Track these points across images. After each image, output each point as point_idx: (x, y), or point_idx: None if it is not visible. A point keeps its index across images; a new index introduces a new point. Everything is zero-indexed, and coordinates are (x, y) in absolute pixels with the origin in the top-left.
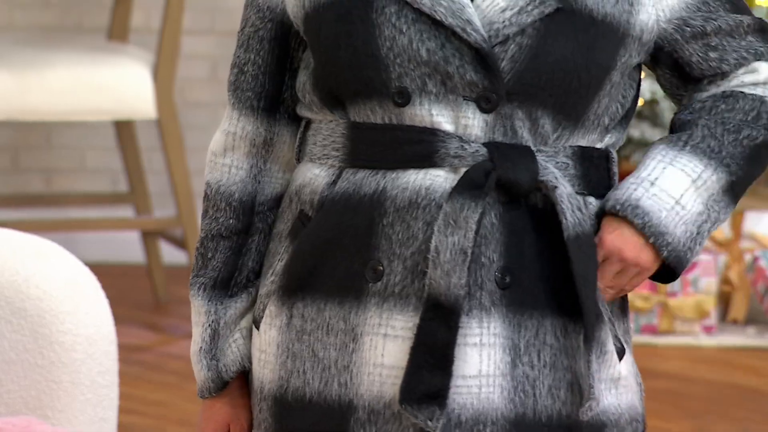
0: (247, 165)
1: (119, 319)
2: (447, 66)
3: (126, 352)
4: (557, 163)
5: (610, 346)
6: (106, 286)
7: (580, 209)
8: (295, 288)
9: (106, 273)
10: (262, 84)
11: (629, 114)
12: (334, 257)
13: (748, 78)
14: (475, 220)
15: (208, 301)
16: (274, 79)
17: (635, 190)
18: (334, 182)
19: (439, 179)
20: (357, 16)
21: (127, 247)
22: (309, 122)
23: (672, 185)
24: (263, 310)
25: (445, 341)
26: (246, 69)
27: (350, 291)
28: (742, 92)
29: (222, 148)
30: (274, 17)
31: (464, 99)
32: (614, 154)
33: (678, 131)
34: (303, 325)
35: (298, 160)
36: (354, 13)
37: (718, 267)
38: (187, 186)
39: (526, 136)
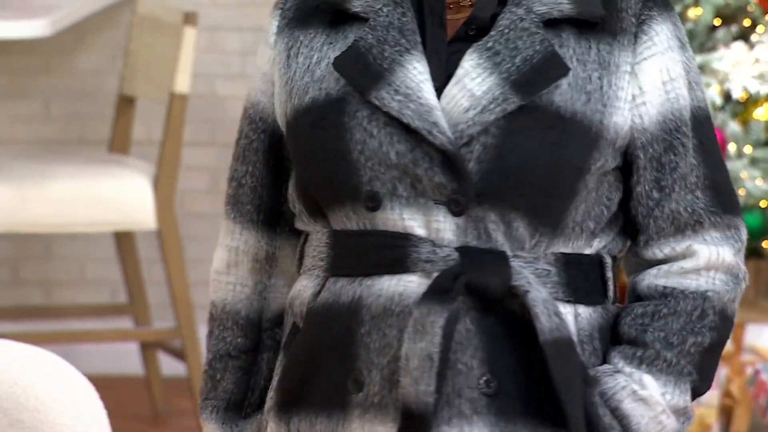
0: (252, 282)
1: (118, 431)
2: (416, 169)
3: None
4: (536, 269)
5: None
6: (105, 398)
7: (557, 315)
8: (290, 403)
9: (105, 385)
10: (260, 196)
11: (619, 217)
12: (320, 369)
13: (688, 264)
14: (440, 325)
15: (222, 423)
16: (271, 192)
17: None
18: (319, 293)
19: (412, 285)
20: (330, 122)
21: (126, 359)
22: (307, 235)
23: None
24: (266, 428)
25: None
26: (244, 182)
27: (336, 403)
28: (682, 292)
29: (225, 265)
30: (266, 128)
31: (434, 202)
32: (608, 259)
33: (629, 332)
34: None
35: (299, 273)
36: (328, 118)
37: (719, 380)
38: (187, 297)
39: (501, 240)
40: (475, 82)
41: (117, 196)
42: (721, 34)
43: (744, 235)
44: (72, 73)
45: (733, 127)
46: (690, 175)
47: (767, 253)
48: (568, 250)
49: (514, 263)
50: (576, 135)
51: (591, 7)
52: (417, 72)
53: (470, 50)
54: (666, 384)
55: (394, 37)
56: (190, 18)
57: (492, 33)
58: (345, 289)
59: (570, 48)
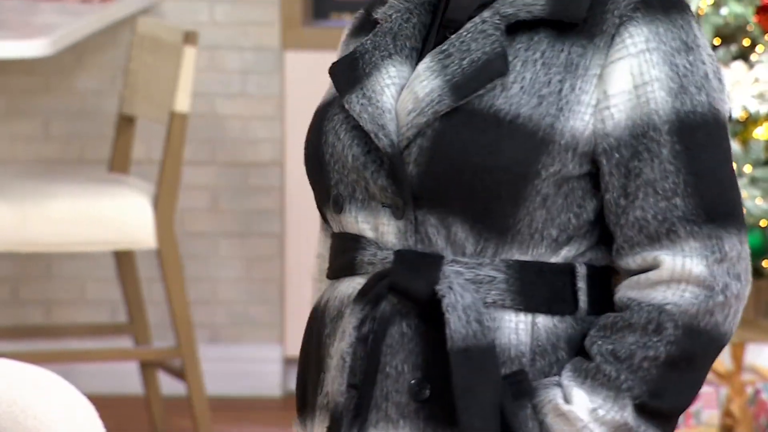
0: None
1: None
2: (365, 172)
3: None
4: (478, 275)
5: None
6: (104, 418)
7: (478, 321)
8: (300, 407)
9: (105, 404)
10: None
11: (597, 225)
12: (309, 372)
13: (654, 276)
14: (353, 325)
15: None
16: None
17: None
18: (321, 296)
19: (359, 287)
20: (315, 125)
21: (126, 378)
22: None
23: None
24: None
25: None
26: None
27: (313, 406)
28: (639, 304)
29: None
30: None
31: (382, 205)
32: (581, 269)
33: (586, 344)
34: None
35: None
36: (316, 122)
37: (720, 399)
38: (187, 316)
39: (441, 244)
40: (422, 84)
41: (117, 215)
42: (720, 53)
43: (730, 245)
44: (72, 93)
45: (733, 146)
46: (663, 181)
47: (767, 273)
48: (526, 257)
49: (451, 268)
50: (515, 139)
51: (567, 9)
52: (387, 76)
53: (429, 53)
54: (606, 399)
55: (386, 42)
56: (190, 37)
57: (452, 36)
58: (324, 292)
59: (536, 51)
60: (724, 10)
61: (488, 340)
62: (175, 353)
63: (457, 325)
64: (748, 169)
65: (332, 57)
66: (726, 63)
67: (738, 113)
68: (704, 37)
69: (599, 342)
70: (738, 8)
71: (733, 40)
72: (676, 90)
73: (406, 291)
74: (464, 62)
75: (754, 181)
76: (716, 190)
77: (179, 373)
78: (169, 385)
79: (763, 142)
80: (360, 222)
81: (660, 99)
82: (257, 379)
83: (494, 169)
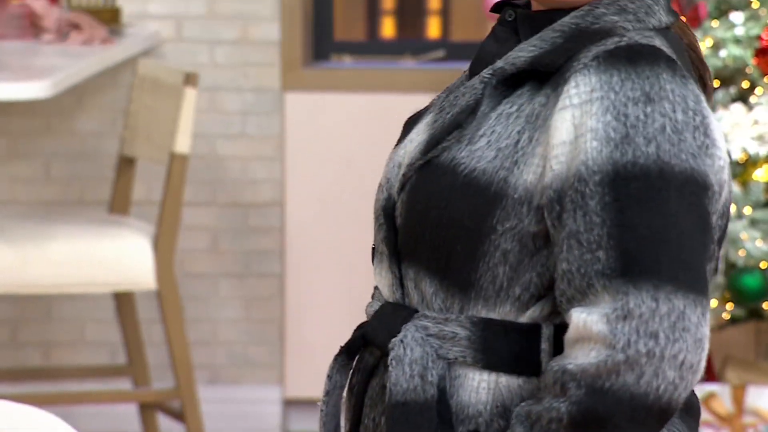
0: None
1: None
2: (377, 223)
3: None
4: (443, 330)
5: None
6: None
7: (421, 377)
8: None
9: None
10: None
11: None
12: None
13: (568, 334)
14: (331, 377)
15: None
16: None
17: None
18: None
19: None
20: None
21: (125, 420)
22: None
23: None
24: None
25: None
26: None
27: None
28: (550, 364)
29: None
30: None
31: (385, 257)
32: (547, 329)
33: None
34: None
35: None
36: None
37: None
38: (187, 358)
39: (417, 298)
40: (415, 139)
41: (117, 256)
42: (720, 95)
43: (637, 302)
44: (72, 135)
45: (733, 188)
46: (588, 233)
47: (767, 315)
48: (493, 315)
49: (420, 322)
50: (469, 193)
51: (545, 58)
52: (414, 132)
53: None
54: None
55: (437, 98)
56: (190, 79)
57: (453, 92)
58: None
59: (515, 104)
60: (723, 53)
61: (428, 396)
62: (175, 395)
63: (399, 378)
64: (747, 210)
65: (332, 98)
66: (725, 105)
67: (737, 155)
68: (683, 92)
69: (522, 404)
70: (737, 51)
71: (732, 83)
72: (617, 140)
73: (373, 343)
74: (448, 116)
75: (754, 222)
76: (639, 244)
77: (179, 415)
78: (168, 427)
79: (762, 183)
80: (376, 272)
81: (591, 149)
82: (257, 421)
83: (449, 224)
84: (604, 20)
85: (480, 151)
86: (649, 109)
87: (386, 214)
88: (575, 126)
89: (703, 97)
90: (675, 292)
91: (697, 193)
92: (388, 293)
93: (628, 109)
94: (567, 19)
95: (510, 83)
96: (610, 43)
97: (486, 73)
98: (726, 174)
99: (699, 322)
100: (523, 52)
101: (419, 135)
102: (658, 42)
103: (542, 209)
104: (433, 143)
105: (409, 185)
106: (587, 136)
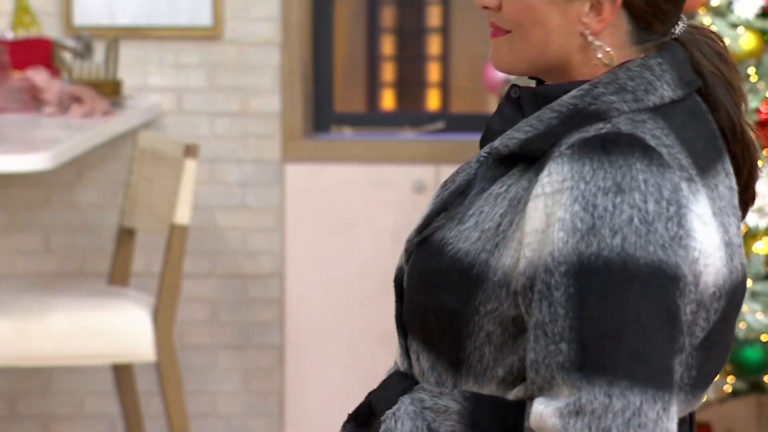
0: None
1: None
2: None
3: None
4: (437, 404)
5: None
6: None
7: None
8: None
9: None
10: None
11: None
12: None
13: (530, 423)
14: None
15: None
16: None
17: None
18: None
19: None
20: None
21: None
22: None
23: None
24: None
25: None
26: None
27: None
28: None
29: None
30: None
31: (397, 325)
32: (530, 407)
33: None
34: None
35: None
36: None
37: None
38: (186, 430)
39: (417, 370)
40: (423, 213)
41: (116, 328)
42: None
43: (589, 398)
44: (72, 206)
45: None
46: (552, 324)
47: None
48: (484, 391)
49: (418, 394)
50: (455, 274)
51: (534, 143)
52: (430, 201)
53: None
54: None
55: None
56: (190, 150)
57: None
58: None
59: (504, 184)
60: None
61: None
62: None
63: None
64: (748, 283)
65: (332, 169)
66: None
67: None
68: (658, 181)
69: None
70: None
71: None
72: (583, 231)
73: (375, 413)
74: (445, 193)
75: (754, 295)
76: (597, 338)
77: None
78: None
79: (762, 256)
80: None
81: (558, 240)
82: None
83: (438, 303)
84: (602, 101)
85: (468, 232)
86: (618, 200)
87: (397, 284)
88: (547, 215)
89: (683, 185)
90: (631, 387)
91: (665, 285)
92: (399, 362)
93: (597, 199)
94: (566, 99)
95: (504, 163)
96: (592, 130)
97: (484, 151)
98: (702, 263)
99: (659, 418)
100: (519, 132)
101: (427, 208)
102: (649, 126)
103: (518, 295)
104: (428, 221)
105: (410, 260)
106: (556, 226)
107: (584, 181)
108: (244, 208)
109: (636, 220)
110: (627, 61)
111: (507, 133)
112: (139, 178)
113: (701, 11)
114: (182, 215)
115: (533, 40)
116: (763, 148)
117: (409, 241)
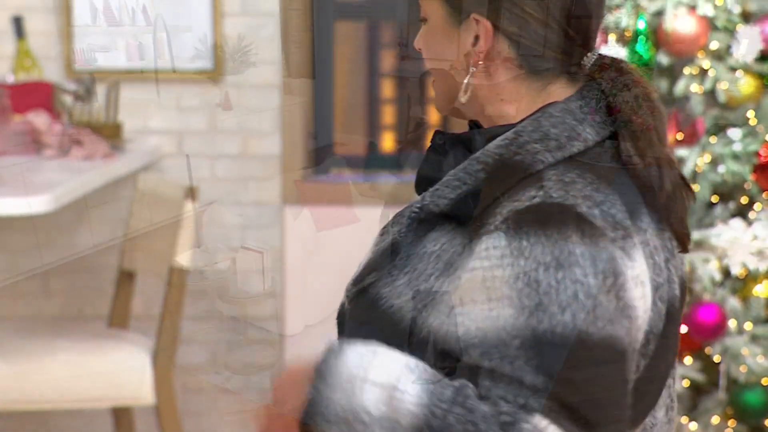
0: None
1: None
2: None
3: None
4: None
5: None
6: None
7: None
8: None
9: None
10: None
11: None
12: None
13: None
14: None
15: None
16: None
17: None
18: None
19: None
20: None
21: None
22: None
23: None
24: None
25: None
26: None
27: None
28: None
29: None
30: None
31: None
32: None
33: None
34: None
35: None
36: None
37: None
38: None
39: None
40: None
41: (115, 371)
42: (718, 210)
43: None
44: (72, 249)
45: (733, 303)
46: (518, 386)
47: None
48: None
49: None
50: (385, 327)
51: (465, 206)
52: (372, 244)
53: None
54: None
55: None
56: (190, 192)
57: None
58: None
59: (437, 242)
60: (721, 168)
61: None
62: None
63: None
64: (748, 326)
65: (332, 211)
66: (724, 220)
67: (737, 270)
68: (593, 253)
69: None
70: (735, 166)
71: (731, 198)
72: (531, 308)
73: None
74: (381, 246)
75: (755, 338)
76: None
77: None
78: None
79: (762, 299)
80: None
81: (508, 316)
82: None
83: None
84: (527, 149)
85: (400, 288)
86: (560, 275)
87: (339, 322)
88: (487, 288)
89: (617, 253)
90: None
91: (615, 361)
92: None
93: (539, 275)
94: (492, 148)
95: (435, 220)
96: (525, 199)
97: (415, 206)
98: (640, 323)
99: None
100: (448, 189)
101: (365, 256)
102: (579, 186)
103: (444, 354)
104: (363, 275)
105: (350, 306)
106: (503, 302)
107: (523, 257)
108: (244, 250)
109: (581, 296)
110: (550, 104)
111: (437, 186)
112: (138, 220)
113: (700, 55)
114: (182, 257)
115: (442, 81)
116: (762, 191)
117: (347, 289)
